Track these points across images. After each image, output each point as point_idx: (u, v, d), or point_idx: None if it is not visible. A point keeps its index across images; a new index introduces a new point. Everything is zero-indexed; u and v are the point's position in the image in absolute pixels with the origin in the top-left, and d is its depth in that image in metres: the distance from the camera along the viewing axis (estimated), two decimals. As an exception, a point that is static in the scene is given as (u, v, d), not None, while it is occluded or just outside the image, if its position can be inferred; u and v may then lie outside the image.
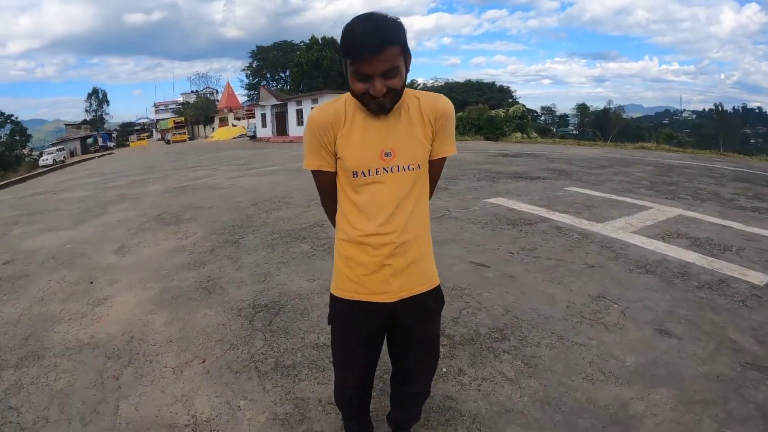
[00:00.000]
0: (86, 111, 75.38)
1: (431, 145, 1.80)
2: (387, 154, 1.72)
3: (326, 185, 1.90)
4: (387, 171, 1.74)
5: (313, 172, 1.87)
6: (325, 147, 1.76)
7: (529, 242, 5.51)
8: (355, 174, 1.75)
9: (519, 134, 33.41)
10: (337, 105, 1.75)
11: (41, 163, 42.29)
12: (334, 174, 1.84)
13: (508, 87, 68.14)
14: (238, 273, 5.05)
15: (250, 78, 68.06)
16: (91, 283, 5.10)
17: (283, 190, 9.64)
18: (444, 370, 3.14)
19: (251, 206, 8.18)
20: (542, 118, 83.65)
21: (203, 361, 3.47)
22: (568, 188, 8.44)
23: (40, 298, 4.89)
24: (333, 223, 2.02)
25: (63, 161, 43.62)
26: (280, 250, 5.70)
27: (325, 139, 1.74)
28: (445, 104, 1.79)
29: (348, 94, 1.77)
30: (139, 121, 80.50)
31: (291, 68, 57.06)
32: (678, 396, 2.79)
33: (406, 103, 1.74)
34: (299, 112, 39.06)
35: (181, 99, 75.65)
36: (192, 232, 6.65)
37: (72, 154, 53.67)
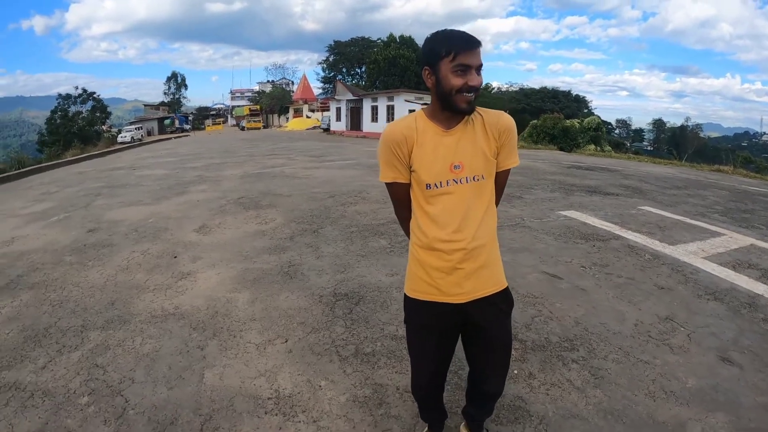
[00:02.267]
0: (165, 93, 79.18)
1: (496, 159, 1.99)
2: (456, 167, 1.91)
3: (401, 197, 2.09)
4: (456, 182, 1.93)
5: (388, 184, 2.06)
6: (399, 160, 1.95)
7: (601, 258, 5.40)
8: (428, 186, 1.93)
9: (593, 146, 32.32)
10: (408, 121, 1.96)
11: (120, 139, 44.70)
12: (408, 185, 2.04)
13: (584, 97, 65.79)
14: (318, 261, 5.18)
15: (326, 71, 69.49)
16: (175, 257, 5.37)
17: (359, 185, 9.76)
18: (515, 371, 3.24)
19: (328, 198, 8.34)
20: (617, 131, 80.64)
21: (286, 341, 3.64)
22: (642, 207, 8.12)
23: (125, 266, 5.19)
24: (405, 230, 2.21)
25: (140, 139, 46.00)
26: (359, 243, 5.80)
27: (400, 153, 1.94)
28: (507, 120, 1.99)
29: (417, 112, 2.00)
30: (215, 107, 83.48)
31: (367, 65, 57.68)
32: (734, 422, 2.80)
33: (471, 118, 1.94)
34: (374, 109, 39.49)
35: (257, 88, 78.09)
36: (271, 218, 6.86)
37: (149, 133, 56.49)
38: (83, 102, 52.72)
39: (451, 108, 1.87)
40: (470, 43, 1.79)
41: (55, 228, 7.55)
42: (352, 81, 63.52)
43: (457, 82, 1.80)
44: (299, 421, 2.81)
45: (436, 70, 1.84)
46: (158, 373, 3.25)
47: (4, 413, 3.08)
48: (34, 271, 5.50)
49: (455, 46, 1.78)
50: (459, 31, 1.82)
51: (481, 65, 1.83)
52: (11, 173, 18.02)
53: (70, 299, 4.59)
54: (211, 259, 5.25)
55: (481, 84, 1.87)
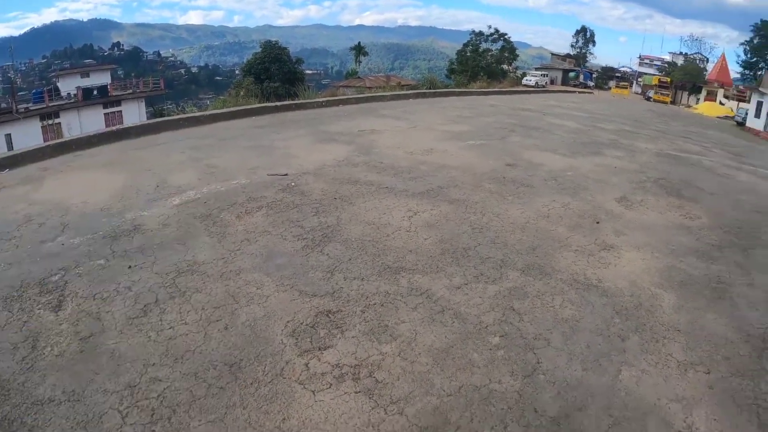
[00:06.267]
0: (572, 46, 77.45)
1: None
2: None
3: None
4: None
5: None
6: None
7: None
8: None
9: None
10: None
11: (524, 82, 46.35)
12: None
13: None
14: (749, 290, 4.28)
15: (748, 55, 58.98)
16: (597, 223, 5.12)
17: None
18: None
19: (755, 213, 6.92)
20: None
21: (708, 372, 3.10)
22: None
23: (546, 214, 5.15)
24: None
25: (544, 86, 46.78)
26: (795, 287, 4.66)
27: None
28: None
29: None
30: (620, 69, 79.27)
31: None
32: None
33: None
34: (808, 115, 32.15)
35: (667, 58, 70.92)
36: (696, 215, 6.00)
37: (552, 82, 57.03)
38: (494, 41, 55.61)
39: None
40: None
41: (472, 151, 8.05)
42: (779, 74, 52.66)
43: None
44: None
45: None
46: (575, 347, 3.08)
47: (410, 317, 3.28)
48: (454, 187, 5.91)
49: None
50: None
51: None
52: (426, 91, 20.11)
53: (491, 228, 4.75)
54: (635, 240, 4.84)
55: None
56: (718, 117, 44.27)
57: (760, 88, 38.42)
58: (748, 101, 40.94)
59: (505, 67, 54.26)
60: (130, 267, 3.74)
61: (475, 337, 3.11)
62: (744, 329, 3.66)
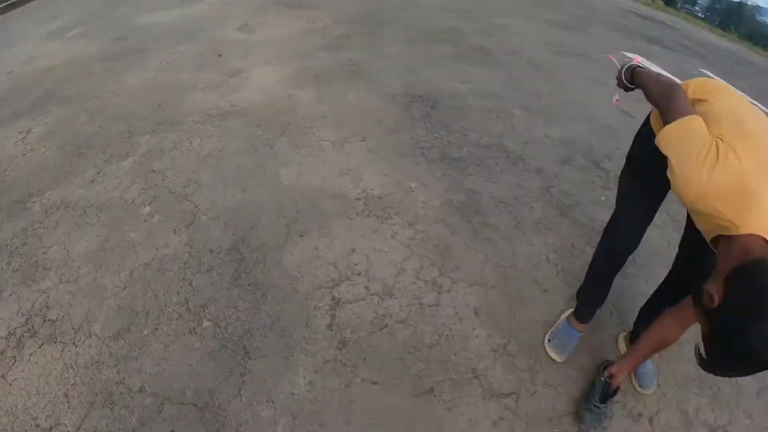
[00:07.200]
0: None
1: None
2: None
3: None
4: None
5: None
6: None
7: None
8: None
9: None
10: None
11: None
12: None
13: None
14: (382, 63, 4.68)
15: None
16: (220, 55, 4.90)
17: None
18: (603, 198, 3.07)
19: (376, 3, 7.54)
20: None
21: (364, 140, 3.33)
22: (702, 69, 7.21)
23: (165, 68, 4.75)
24: None
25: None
26: (421, 48, 5.26)
27: None
28: None
29: None
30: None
31: None
32: None
33: None
34: None
35: None
36: (319, 18, 6.21)
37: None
38: None
39: None
40: None
41: (74, 43, 7.04)
42: None
43: None
44: (395, 224, 2.62)
45: None
46: (226, 175, 2.96)
47: (55, 236, 2.86)
48: (59, 87, 5.13)
49: None
50: None
51: None
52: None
53: (110, 106, 4.24)
54: (262, 56, 4.77)
55: None
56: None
57: None
58: None
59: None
60: None
61: (126, 218, 2.81)
62: (387, 94, 4.01)
